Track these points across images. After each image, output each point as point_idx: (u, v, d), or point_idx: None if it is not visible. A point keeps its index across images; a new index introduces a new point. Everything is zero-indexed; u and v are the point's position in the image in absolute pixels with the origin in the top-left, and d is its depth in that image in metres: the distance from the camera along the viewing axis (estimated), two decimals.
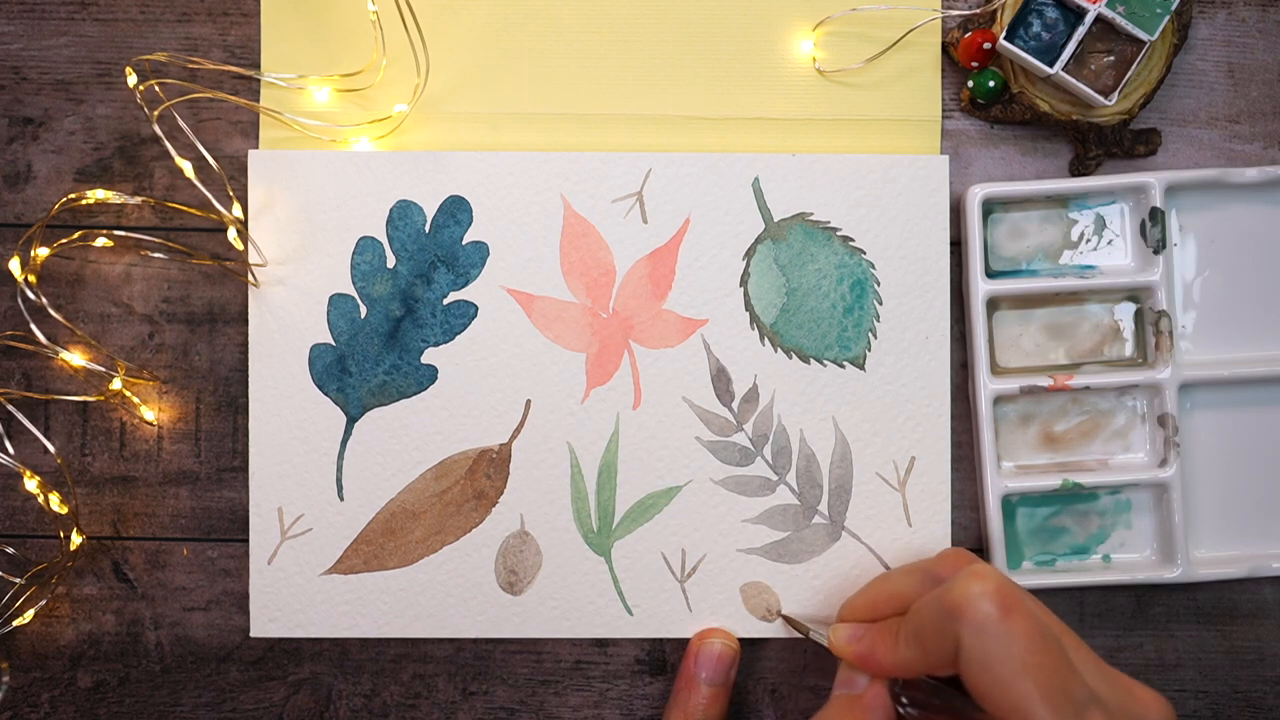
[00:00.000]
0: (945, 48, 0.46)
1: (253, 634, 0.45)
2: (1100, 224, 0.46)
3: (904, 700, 0.39)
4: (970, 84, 0.45)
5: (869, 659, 0.38)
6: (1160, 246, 0.45)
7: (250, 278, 0.44)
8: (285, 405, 0.45)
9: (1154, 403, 0.46)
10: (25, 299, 0.44)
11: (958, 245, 0.46)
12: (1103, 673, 0.35)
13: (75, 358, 0.43)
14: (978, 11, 0.46)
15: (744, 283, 0.45)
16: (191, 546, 0.46)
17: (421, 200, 0.45)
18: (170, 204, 0.45)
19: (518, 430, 0.45)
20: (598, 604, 0.45)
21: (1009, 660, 0.32)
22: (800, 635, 0.44)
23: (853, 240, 0.45)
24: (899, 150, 0.46)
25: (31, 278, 0.43)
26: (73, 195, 0.44)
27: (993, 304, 0.46)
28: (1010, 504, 0.46)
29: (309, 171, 0.45)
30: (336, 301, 0.45)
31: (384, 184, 0.45)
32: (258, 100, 0.46)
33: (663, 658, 0.46)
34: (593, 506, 0.45)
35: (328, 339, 0.45)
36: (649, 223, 0.45)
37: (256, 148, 0.46)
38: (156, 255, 0.46)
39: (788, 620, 0.44)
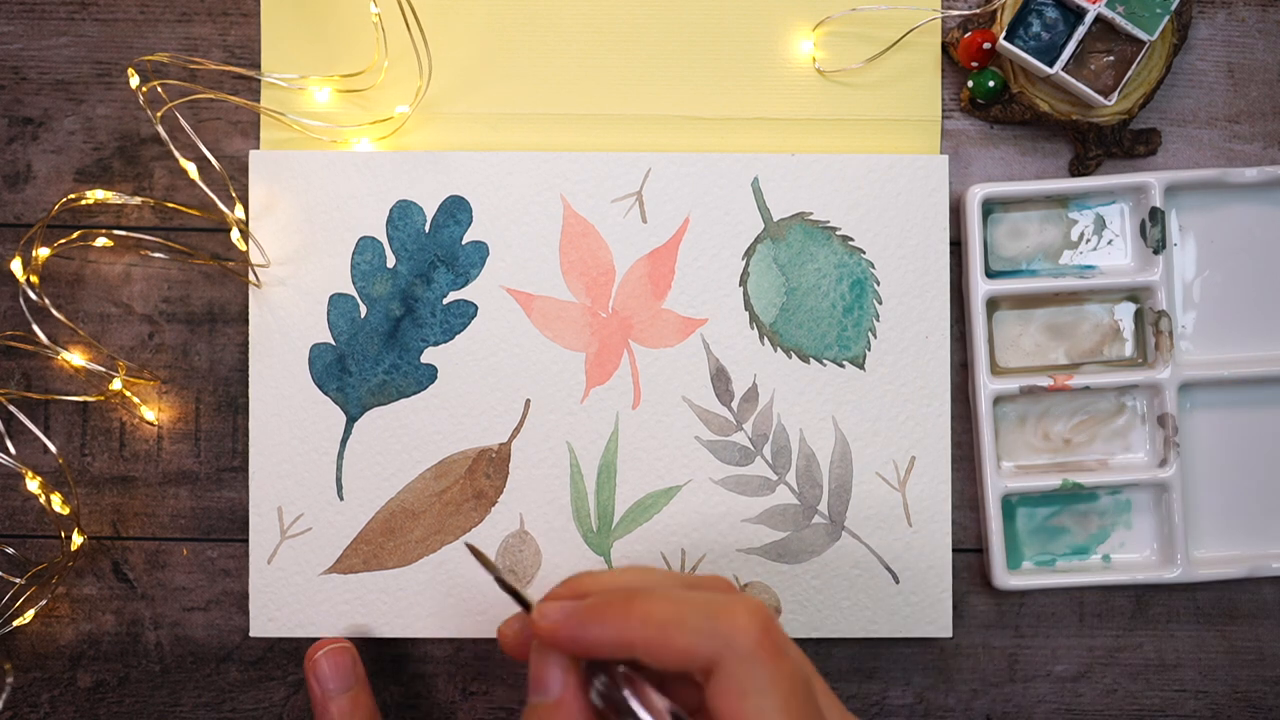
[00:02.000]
0: (945, 48, 0.46)
1: (252, 634, 0.45)
2: (1100, 224, 0.46)
3: (599, 687, 0.33)
4: (970, 84, 0.45)
5: (583, 629, 0.32)
6: (1160, 246, 0.45)
7: (252, 277, 0.44)
8: (285, 405, 0.45)
9: (1154, 403, 0.46)
10: (26, 299, 0.44)
11: (958, 245, 0.46)
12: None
13: (75, 358, 0.43)
14: (978, 11, 0.46)
15: (743, 282, 0.45)
16: (191, 546, 0.46)
17: (421, 200, 0.45)
18: (170, 204, 0.45)
19: (517, 430, 0.45)
20: None
21: (771, 697, 0.30)
22: (489, 572, 0.36)
23: (852, 240, 0.45)
24: (899, 150, 0.46)
25: (34, 278, 0.43)
26: (73, 195, 0.44)
27: (993, 304, 0.46)
28: (1010, 504, 0.46)
29: (309, 172, 0.45)
30: (336, 301, 0.45)
31: (384, 184, 0.45)
32: (258, 100, 0.46)
33: None
34: (592, 506, 0.45)
35: (328, 339, 0.45)
36: (648, 222, 0.45)
37: (257, 148, 0.46)
38: (156, 255, 0.46)
39: (474, 551, 0.37)
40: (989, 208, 0.46)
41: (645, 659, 0.31)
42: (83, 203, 0.44)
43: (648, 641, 0.31)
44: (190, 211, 0.45)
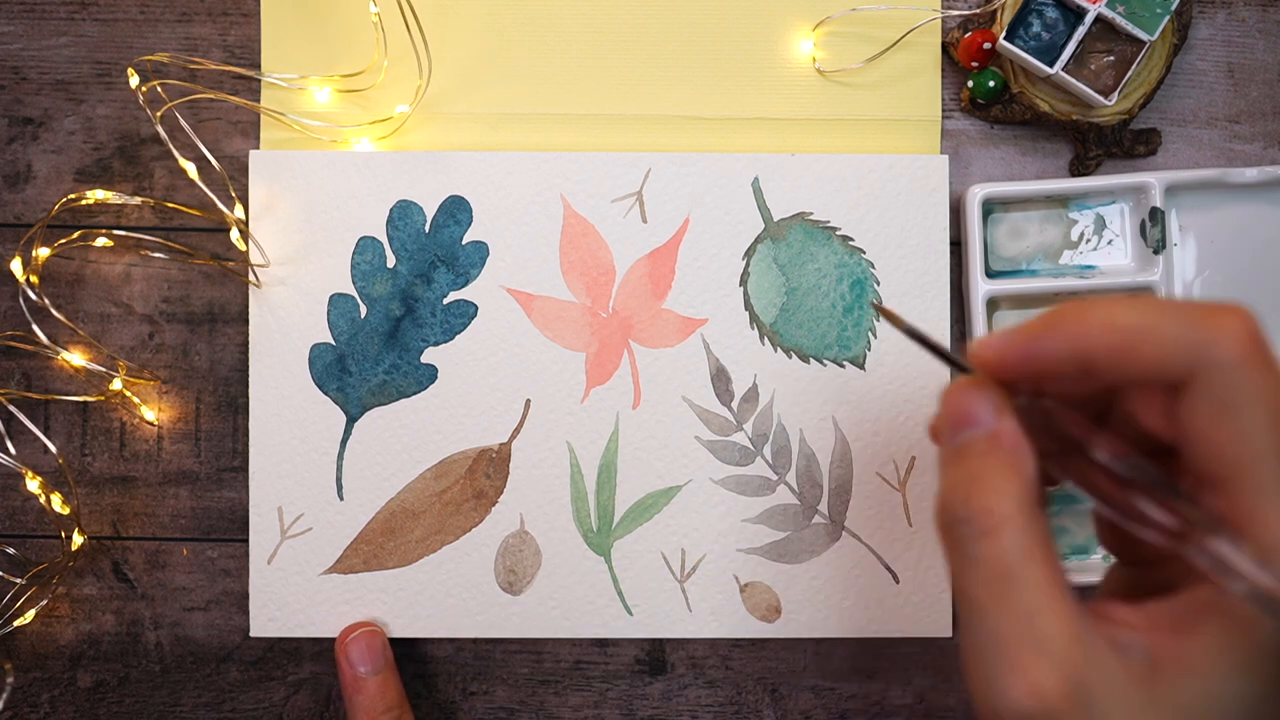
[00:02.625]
0: (945, 48, 0.46)
1: (252, 634, 0.45)
2: (1100, 224, 0.46)
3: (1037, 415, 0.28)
4: (970, 84, 0.45)
5: (1035, 342, 0.28)
6: (1160, 246, 0.45)
7: (251, 277, 0.44)
8: (285, 405, 0.45)
9: None
10: (26, 299, 0.44)
11: (958, 245, 0.46)
12: None
13: (75, 358, 0.43)
14: (978, 11, 0.46)
15: (743, 282, 0.45)
16: (191, 546, 0.46)
17: (421, 200, 0.45)
18: (170, 204, 0.45)
19: (517, 430, 0.45)
20: (597, 604, 0.45)
21: (1257, 412, 0.26)
22: (899, 328, 0.31)
23: (852, 240, 0.45)
24: (899, 150, 0.46)
25: (33, 278, 0.43)
26: (73, 195, 0.44)
27: (993, 304, 0.46)
28: None
29: (310, 172, 0.45)
30: (336, 301, 0.45)
31: (384, 184, 0.45)
32: (258, 100, 0.46)
33: (662, 658, 0.46)
34: (592, 506, 0.45)
35: (328, 339, 0.45)
36: (649, 222, 0.45)
37: (257, 148, 0.46)
38: (156, 255, 0.46)
39: (881, 310, 0.32)
40: (989, 208, 0.46)
41: (1105, 372, 0.28)
42: (83, 203, 0.44)
43: (1111, 349, 0.27)
44: (190, 211, 0.45)
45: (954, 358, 0.31)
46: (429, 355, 0.45)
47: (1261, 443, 0.26)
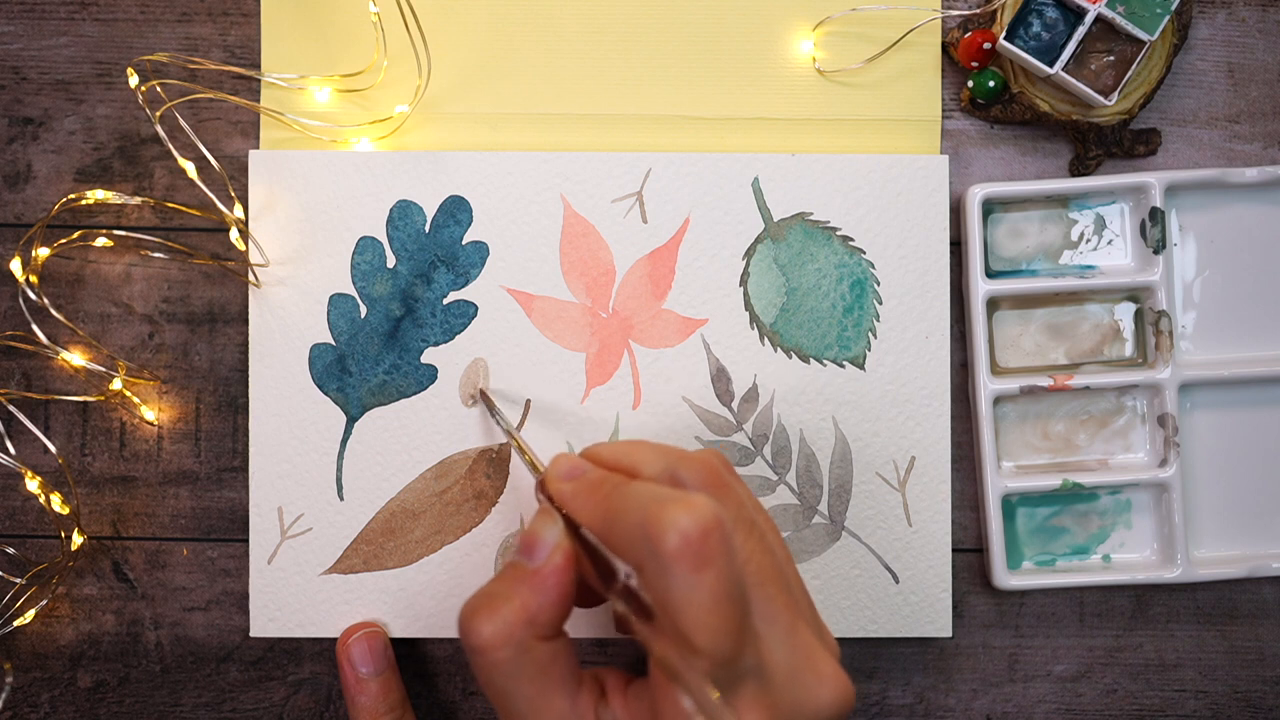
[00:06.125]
0: (945, 48, 0.46)
1: (253, 634, 0.45)
2: (1100, 224, 0.46)
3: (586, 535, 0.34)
4: (970, 84, 0.45)
5: (568, 507, 0.35)
6: (1160, 246, 0.45)
7: (251, 277, 0.44)
8: (285, 405, 0.45)
9: (1154, 403, 0.46)
10: (26, 299, 0.44)
11: (958, 245, 0.46)
12: (792, 639, 0.33)
13: (75, 358, 0.43)
14: (978, 11, 0.46)
15: (744, 282, 0.45)
16: (191, 546, 0.46)
17: (421, 200, 0.45)
18: (170, 204, 0.45)
19: (517, 430, 0.45)
20: None
21: (682, 611, 0.30)
22: (503, 433, 0.38)
23: (852, 240, 0.45)
24: (899, 150, 0.46)
25: (33, 278, 0.43)
26: (73, 195, 0.44)
27: (993, 304, 0.46)
28: (1010, 504, 0.46)
29: (309, 172, 0.45)
30: (336, 301, 0.45)
31: (384, 184, 0.45)
32: (258, 100, 0.46)
33: None
34: None
35: (328, 339, 0.45)
36: (649, 222, 0.45)
37: (257, 148, 0.46)
38: (156, 255, 0.46)
39: (487, 399, 0.39)
40: (989, 208, 0.46)
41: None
42: (83, 203, 0.44)
43: (600, 534, 0.34)
44: (190, 211, 0.45)
45: (537, 466, 0.39)
46: (429, 355, 0.45)
47: (684, 641, 0.30)
